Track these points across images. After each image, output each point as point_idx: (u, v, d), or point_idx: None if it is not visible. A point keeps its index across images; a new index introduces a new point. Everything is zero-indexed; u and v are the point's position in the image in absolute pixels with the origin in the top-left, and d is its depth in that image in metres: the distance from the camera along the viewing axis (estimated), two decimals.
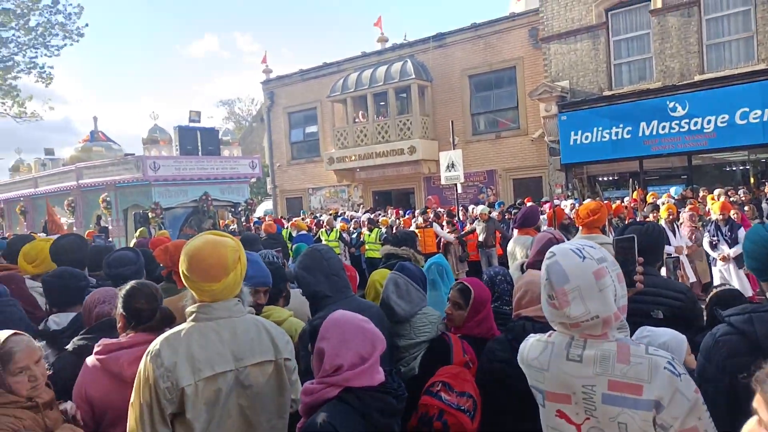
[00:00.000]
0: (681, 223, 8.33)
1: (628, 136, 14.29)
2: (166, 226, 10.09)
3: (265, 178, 24.77)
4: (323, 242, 10.28)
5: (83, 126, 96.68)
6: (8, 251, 4.11)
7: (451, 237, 11.55)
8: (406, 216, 14.05)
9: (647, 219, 8.74)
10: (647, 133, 14.01)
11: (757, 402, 1.02)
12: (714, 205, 8.06)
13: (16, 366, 1.93)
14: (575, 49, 15.21)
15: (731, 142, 13.04)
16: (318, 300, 2.59)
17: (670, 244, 7.30)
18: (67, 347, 2.51)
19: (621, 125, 14.36)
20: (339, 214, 17.46)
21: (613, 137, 14.50)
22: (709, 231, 7.67)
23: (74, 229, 12.16)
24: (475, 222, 11.35)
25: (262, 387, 2.01)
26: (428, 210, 13.61)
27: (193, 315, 1.97)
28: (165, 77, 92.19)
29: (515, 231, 7.12)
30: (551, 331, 1.71)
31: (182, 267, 1.96)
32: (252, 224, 13.12)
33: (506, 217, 12.53)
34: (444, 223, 12.13)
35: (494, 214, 11.90)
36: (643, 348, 1.53)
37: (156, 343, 1.91)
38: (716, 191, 10.68)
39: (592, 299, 1.54)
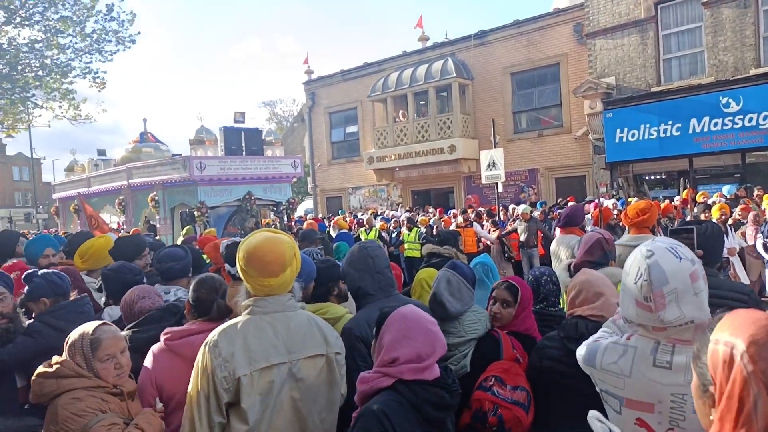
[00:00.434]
0: (732, 224, 8.00)
1: (677, 133, 13.78)
2: (211, 225, 10.34)
3: (306, 178, 25.08)
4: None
5: (132, 128, 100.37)
6: (69, 248, 4.31)
7: (492, 237, 11.43)
8: (448, 215, 13.97)
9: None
10: (698, 130, 13.48)
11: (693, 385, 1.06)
12: None
13: (104, 353, 2.06)
14: (622, 44, 14.78)
15: None
16: (361, 297, 2.61)
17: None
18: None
19: (670, 122, 13.87)
20: (378, 213, 17.53)
21: (661, 134, 14.02)
22: (762, 232, 7.36)
23: (123, 227, 12.62)
24: (517, 222, 11.19)
25: (314, 380, 2.05)
26: (469, 209, 13.50)
27: (249, 308, 2.04)
28: (209, 80, 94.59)
29: (558, 230, 6.99)
30: (628, 334, 1.61)
31: (241, 263, 2.02)
32: (293, 223, 13.31)
33: (549, 216, 12.31)
34: (485, 223, 12.02)
35: (536, 213, 11.71)
36: None
37: (214, 335, 1.97)
38: None
39: (686, 303, 1.46)
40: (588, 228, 7.05)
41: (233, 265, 3.08)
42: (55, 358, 2.07)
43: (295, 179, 13.50)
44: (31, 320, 2.81)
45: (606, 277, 2.38)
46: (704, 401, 1.02)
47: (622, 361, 1.56)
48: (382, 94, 20.10)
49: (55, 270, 2.49)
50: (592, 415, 1.42)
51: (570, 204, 12.55)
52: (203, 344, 1.97)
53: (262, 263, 1.98)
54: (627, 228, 4.75)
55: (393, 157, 19.72)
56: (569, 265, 3.45)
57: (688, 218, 8.52)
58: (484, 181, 12.75)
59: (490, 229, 11.79)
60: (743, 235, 7.94)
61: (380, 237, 12.24)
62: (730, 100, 12.95)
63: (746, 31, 12.92)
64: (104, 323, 2.16)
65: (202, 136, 11.34)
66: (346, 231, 10.83)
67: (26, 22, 16.40)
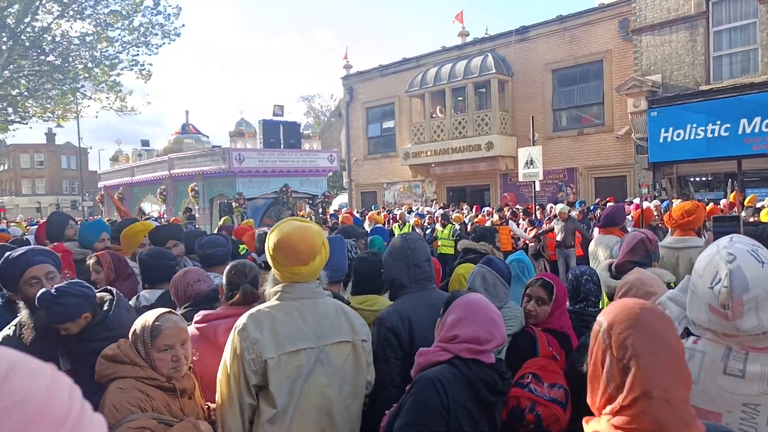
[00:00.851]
0: None
1: (726, 133, 13.26)
2: (248, 216, 10.52)
3: (341, 172, 25.23)
4: None
5: (173, 119, 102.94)
6: (115, 234, 4.46)
7: (527, 236, 11.26)
8: (482, 213, 13.84)
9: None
10: (748, 130, 12.94)
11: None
12: None
13: (162, 343, 1.97)
14: (670, 41, 14.30)
15: None
16: (396, 288, 2.61)
17: None
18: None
19: (718, 122, 13.36)
20: (412, 209, 17.50)
21: (709, 135, 13.51)
22: None
23: (164, 216, 12.96)
24: (554, 221, 10.99)
25: (341, 366, 2.09)
26: (504, 207, 13.33)
27: (278, 294, 2.09)
28: (249, 73, 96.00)
29: (596, 230, 6.83)
30: (695, 337, 1.51)
31: (271, 251, 2.06)
32: (328, 216, 13.43)
33: (587, 217, 12.05)
34: (521, 222, 11.85)
35: (574, 213, 11.47)
36: None
37: (243, 318, 2.03)
38: None
39: (766, 310, 1.35)
40: (629, 229, 6.86)
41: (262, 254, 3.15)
42: (121, 341, 2.03)
43: (330, 173, 13.60)
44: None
45: (658, 278, 2.31)
46: None
47: (688, 365, 1.48)
48: (419, 90, 20.01)
49: (66, 283, 2.34)
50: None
51: (610, 204, 12.29)
52: (233, 328, 2.03)
53: (295, 252, 2.02)
54: (670, 230, 4.60)
55: (429, 153, 19.63)
56: (610, 265, 3.36)
57: None
58: (521, 179, 12.58)
59: (526, 228, 11.62)
60: None
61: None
62: None
63: None
64: (169, 311, 2.07)
65: (241, 128, 11.52)
66: (380, 226, 10.85)
67: (78, 16, 16.99)
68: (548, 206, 13.24)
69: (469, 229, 11.61)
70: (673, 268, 4.05)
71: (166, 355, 1.97)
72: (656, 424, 1.11)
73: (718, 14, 13.76)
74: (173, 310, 2.09)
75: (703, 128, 13.58)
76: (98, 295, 2.38)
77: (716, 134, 13.40)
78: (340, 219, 11.53)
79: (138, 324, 2.02)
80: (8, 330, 2.42)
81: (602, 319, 1.24)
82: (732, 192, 10.90)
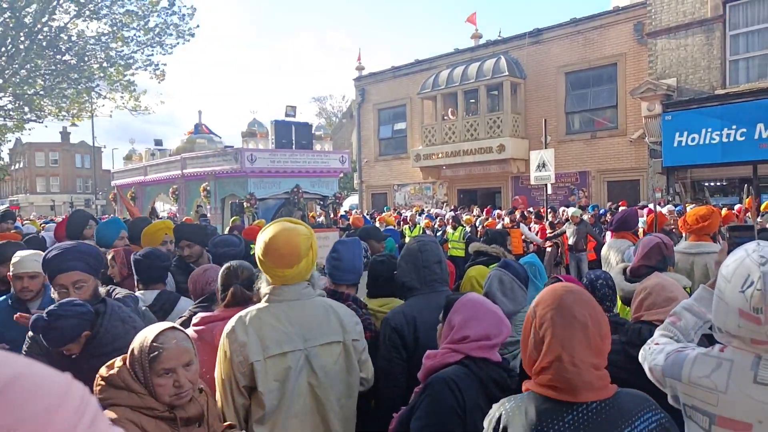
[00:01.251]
0: None
1: (742, 138, 13.10)
2: (259, 216, 10.55)
3: (352, 173, 25.25)
4: (406, 238, 10.31)
5: (186, 119, 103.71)
6: (131, 232, 4.49)
7: (539, 239, 11.20)
8: (493, 216, 13.77)
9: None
10: (764, 135, 12.78)
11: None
12: None
13: (162, 366, 1.70)
14: (685, 45, 14.16)
15: None
16: (406, 290, 2.61)
17: None
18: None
19: (734, 126, 13.19)
20: (423, 211, 17.46)
21: (724, 139, 13.35)
22: None
23: (176, 215, 13.03)
24: (566, 224, 10.92)
25: (331, 367, 2.11)
26: (516, 210, 13.27)
27: (266, 296, 2.11)
28: (262, 74, 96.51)
29: (609, 234, 6.76)
30: (720, 345, 1.49)
31: (258, 253, 2.10)
32: (339, 217, 13.42)
33: (600, 220, 11.96)
34: (533, 225, 11.78)
35: (586, 217, 11.39)
36: None
37: (232, 321, 2.07)
38: None
39: None
40: (641, 233, 6.79)
41: None
42: (118, 362, 1.77)
43: (342, 174, 13.61)
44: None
45: (678, 283, 2.28)
46: None
47: (716, 375, 1.44)
48: (432, 92, 19.99)
49: (58, 304, 2.10)
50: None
51: (621, 209, 12.18)
52: (223, 331, 2.07)
53: (278, 254, 2.04)
54: (685, 235, 4.55)
55: (440, 155, 19.59)
56: (625, 269, 3.32)
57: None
58: (533, 182, 12.50)
59: (538, 231, 11.55)
60: None
61: (424, 235, 12.21)
62: None
63: None
64: (172, 327, 1.79)
65: (254, 128, 11.54)
66: (392, 227, 10.84)
67: (94, 16, 17.16)
68: (560, 209, 13.16)
69: (479, 232, 11.58)
70: (688, 274, 4.02)
71: (167, 380, 1.71)
72: (565, 382, 1.37)
73: (735, 18, 13.60)
74: (176, 325, 1.83)
75: (718, 133, 13.42)
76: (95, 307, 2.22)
77: (732, 139, 13.24)
78: (351, 220, 11.54)
79: (136, 343, 1.76)
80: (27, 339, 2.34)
81: (534, 301, 1.50)
82: (747, 197, 10.76)
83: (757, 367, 1.38)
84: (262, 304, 2.12)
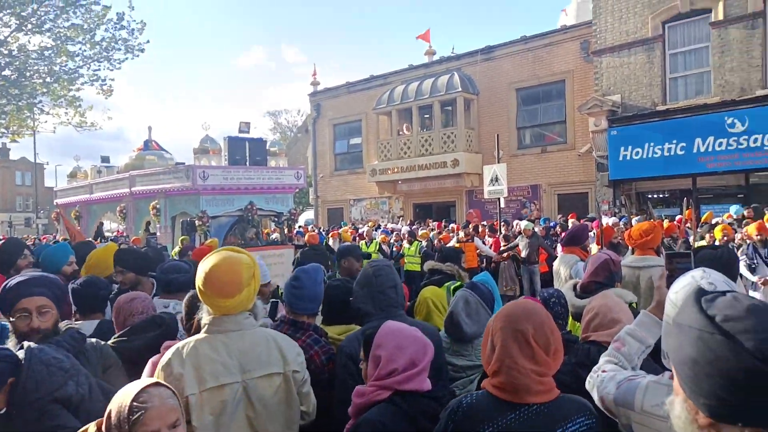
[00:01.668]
0: (738, 246, 7.91)
1: (682, 152, 13.75)
2: (212, 234, 10.30)
3: (308, 188, 25.09)
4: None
5: (135, 135, 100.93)
6: (77, 257, 4.30)
7: (493, 253, 11.37)
8: (447, 230, 13.91)
9: (709, 239, 8.36)
10: (702, 149, 13.45)
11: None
12: (751, 226, 7.60)
13: (145, 429, 1.50)
14: (628, 63, 14.81)
15: None
16: (362, 316, 2.58)
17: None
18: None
19: (674, 141, 13.84)
20: (379, 225, 17.49)
21: (666, 153, 13.98)
22: (747, 254, 7.22)
23: (124, 235, 12.59)
24: (519, 237, 11.15)
25: (270, 399, 2.06)
26: (470, 224, 13.45)
27: (206, 327, 2.06)
28: (214, 88, 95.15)
29: (559, 248, 6.93)
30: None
31: (198, 283, 2.03)
32: (294, 234, 13.27)
33: (550, 233, 12.26)
34: (488, 238, 11.96)
35: (538, 229, 11.66)
36: None
37: (168, 353, 2.00)
38: None
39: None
40: (592, 246, 6.99)
41: None
42: (91, 428, 1.57)
43: (297, 190, 13.48)
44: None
45: (624, 303, 2.32)
46: None
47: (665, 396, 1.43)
48: (387, 107, 20.15)
49: None
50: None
51: (570, 221, 12.54)
52: (159, 362, 2.01)
53: (219, 284, 1.99)
54: (630, 249, 4.71)
55: (396, 170, 19.72)
56: (575, 285, 3.40)
57: (691, 238, 8.44)
58: (486, 195, 12.73)
59: (492, 245, 11.73)
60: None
61: (380, 250, 12.19)
62: (736, 121, 12.92)
63: (753, 52, 12.94)
64: (157, 383, 1.60)
65: (206, 145, 11.32)
66: (348, 243, 10.77)
67: (37, 30, 16.50)
68: (513, 222, 13.42)
69: (434, 246, 11.67)
70: (634, 286, 4.17)
71: None
72: (510, 386, 1.61)
73: (674, 37, 14.33)
74: (160, 381, 1.65)
75: (660, 147, 14.04)
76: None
77: (672, 153, 13.87)
78: (306, 238, 11.42)
79: (113, 405, 1.54)
80: None
81: (495, 313, 1.73)
82: (687, 209, 11.27)
83: None
84: (201, 335, 2.05)
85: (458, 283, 4.06)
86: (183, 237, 9.73)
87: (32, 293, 2.28)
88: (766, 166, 12.75)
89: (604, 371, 1.71)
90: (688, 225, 8.96)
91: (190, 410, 1.90)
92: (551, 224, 13.40)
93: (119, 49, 17.40)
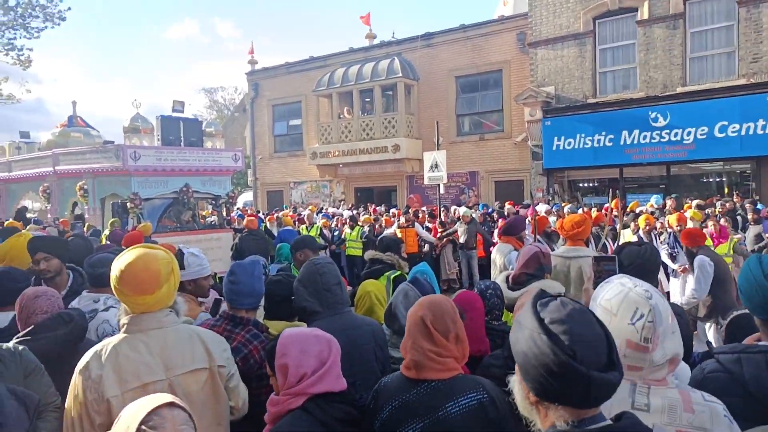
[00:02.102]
0: (660, 234, 8.46)
1: (610, 144, 14.48)
2: (145, 217, 9.91)
3: (246, 170, 24.51)
4: None
5: (57, 107, 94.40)
6: None
7: (433, 238, 11.58)
8: (388, 215, 14.03)
9: (630, 228, 8.85)
10: (628, 141, 14.21)
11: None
12: (671, 216, 8.14)
13: None
14: (562, 56, 15.34)
15: (709, 153, 13.30)
16: (308, 314, 2.58)
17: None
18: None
19: (603, 133, 14.54)
20: (320, 209, 17.38)
21: (595, 144, 14.67)
22: (668, 243, 7.66)
23: (48, 216, 11.88)
24: (457, 223, 11.41)
25: (197, 395, 2.04)
26: (410, 209, 13.62)
27: (124, 327, 2.01)
28: (143, 60, 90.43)
29: (497, 236, 7.18)
30: None
31: (114, 281, 1.98)
32: (233, 217, 12.97)
33: (487, 219, 12.63)
34: (428, 224, 12.15)
35: (476, 215, 11.98)
36: (699, 395, 1.48)
37: (86, 357, 1.95)
38: (694, 202, 10.87)
39: (668, 341, 1.48)
40: (527, 233, 7.27)
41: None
42: None
43: (235, 172, 13.15)
44: None
45: None
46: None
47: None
48: (327, 90, 19.92)
49: None
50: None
51: (506, 207, 12.97)
52: (76, 367, 1.94)
53: (136, 281, 1.95)
54: (562, 239, 4.95)
55: (337, 154, 19.60)
56: (507, 277, 3.53)
57: (618, 226, 8.92)
58: (426, 182, 12.91)
59: (432, 229, 11.94)
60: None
61: (321, 234, 12.15)
62: (658, 115, 13.72)
63: (674, 51, 13.72)
64: (171, 404, 1.39)
65: (137, 124, 10.80)
66: (290, 228, 10.65)
67: None
68: (452, 208, 13.71)
69: (376, 230, 11.76)
70: (565, 275, 4.39)
71: None
72: (412, 362, 1.84)
73: (604, 33, 14.96)
74: (175, 401, 1.42)
75: (590, 138, 14.71)
76: None
77: (602, 144, 14.58)
78: (245, 222, 11.21)
79: (119, 427, 1.36)
80: None
81: None
82: (614, 199, 11.90)
83: (634, 394, 1.49)
84: (120, 335, 2.00)
85: (398, 272, 4.14)
86: (113, 219, 9.30)
87: None
88: (685, 159, 13.66)
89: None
90: (615, 214, 9.47)
91: (113, 413, 1.84)
92: (489, 210, 13.80)
93: (37, 17, 16.21)
